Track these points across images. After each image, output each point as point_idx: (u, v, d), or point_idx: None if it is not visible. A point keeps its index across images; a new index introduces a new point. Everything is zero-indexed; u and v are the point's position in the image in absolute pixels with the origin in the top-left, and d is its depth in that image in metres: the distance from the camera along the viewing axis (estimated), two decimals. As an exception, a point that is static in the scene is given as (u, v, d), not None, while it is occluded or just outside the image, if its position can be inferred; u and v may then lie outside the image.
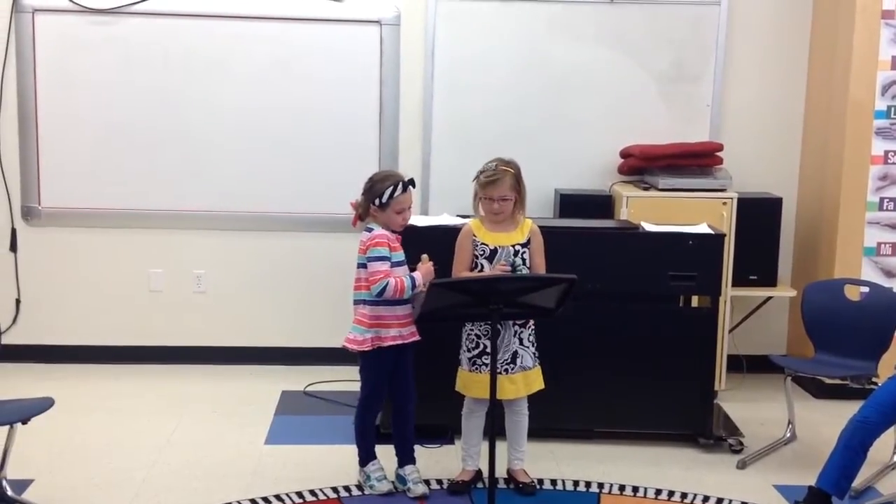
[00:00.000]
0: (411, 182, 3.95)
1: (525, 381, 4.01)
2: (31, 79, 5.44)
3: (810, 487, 3.83)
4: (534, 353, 4.04)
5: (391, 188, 3.88)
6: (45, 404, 3.76)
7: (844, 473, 3.79)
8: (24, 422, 3.69)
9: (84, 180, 5.54)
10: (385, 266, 3.87)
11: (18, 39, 5.41)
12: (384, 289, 3.83)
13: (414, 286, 3.88)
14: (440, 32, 5.51)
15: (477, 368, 3.99)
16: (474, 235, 4.00)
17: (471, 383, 4.01)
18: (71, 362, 5.56)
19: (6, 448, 3.79)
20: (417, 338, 3.98)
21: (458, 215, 4.57)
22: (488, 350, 3.88)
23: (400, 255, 3.96)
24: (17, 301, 5.62)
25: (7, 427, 3.72)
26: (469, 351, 4.01)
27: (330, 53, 5.52)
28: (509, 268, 3.93)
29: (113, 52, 5.45)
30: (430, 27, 5.50)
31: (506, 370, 3.94)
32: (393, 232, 3.97)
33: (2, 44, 5.42)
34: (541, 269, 4.02)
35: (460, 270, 4.02)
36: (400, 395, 4.06)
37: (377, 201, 3.89)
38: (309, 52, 5.51)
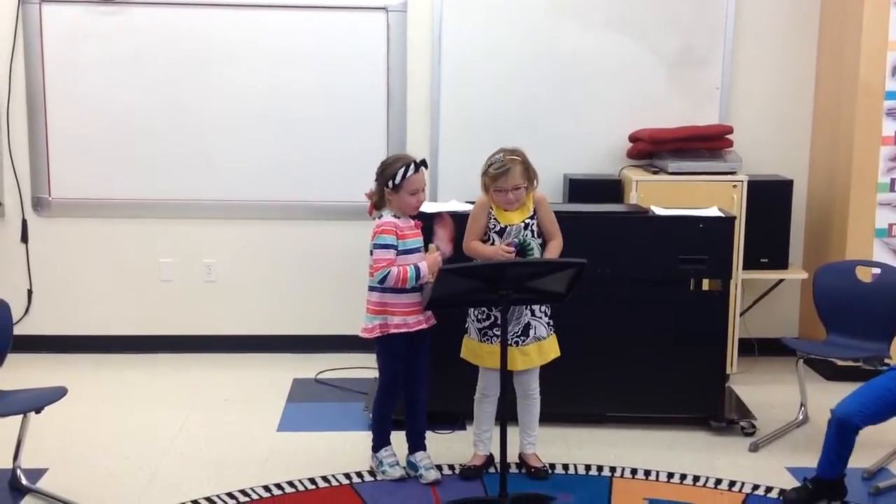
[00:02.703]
0: (423, 163, 3.95)
1: (539, 351, 4.02)
2: (39, 70, 5.44)
3: (815, 479, 3.82)
4: (548, 323, 4.04)
5: (403, 169, 3.87)
6: (58, 393, 3.79)
7: (840, 455, 3.78)
8: (38, 411, 3.72)
9: (93, 171, 5.55)
10: (389, 254, 3.87)
11: (26, 31, 5.41)
12: (385, 277, 3.84)
13: (419, 276, 3.87)
14: (447, 18, 5.49)
15: (488, 339, 4.00)
16: (490, 209, 4.01)
17: (483, 354, 4.02)
18: (82, 352, 5.59)
19: (20, 437, 3.83)
20: (424, 326, 3.97)
21: (466, 201, 4.57)
22: (499, 322, 3.91)
23: (413, 241, 3.95)
24: (29, 292, 5.64)
25: (21, 416, 3.75)
26: (479, 322, 4.02)
27: (337, 41, 5.50)
28: (513, 249, 3.93)
29: (120, 43, 5.45)
30: (436, 13, 5.48)
31: (516, 342, 3.95)
32: (412, 218, 3.98)
33: (9, 35, 5.42)
34: (555, 232, 4.03)
35: (471, 240, 4.03)
36: (413, 381, 4.06)
37: (390, 183, 3.89)
38: (316, 39, 5.50)
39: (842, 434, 3.75)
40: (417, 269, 3.87)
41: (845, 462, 3.79)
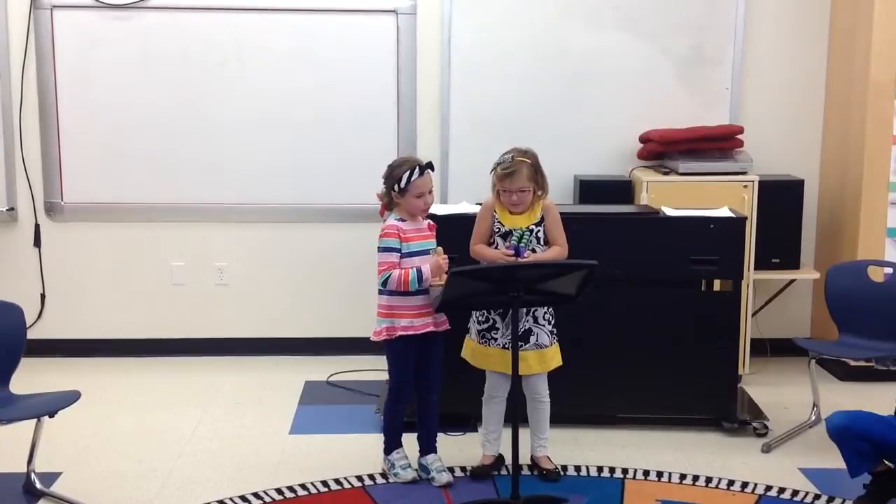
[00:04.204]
0: (429, 165, 3.94)
1: (540, 358, 4.01)
2: (51, 75, 5.47)
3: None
4: (551, 331, 4.03)
5: (408, 172, 3.87)
6: (71, 397, 3.79)
7: (859, 456, 3.73)
8: (51, 415, 3.72)
9: (106, 175, 5.57)
10: (391, 257, 3.88)
11: (38, 36, 5.44)
12: (387, 280, 3.85)
13: (421, 279, 3.87)
14: (456, 20, 5.49)
15: (486, 342, 4.01)
16: (494, 212, 4.01)
17: (480, 355, 4.04)
18: (95, 356, 5.61)
19: (34, 441, 3.84)
20: (432, 329, 3.96)
21: (476, 203, 4.56)
22: (497, 325, 3.95)
23: (420, 244, 3.94)
24: (42, 296, 5.67)
25: (34, 420, 3.76)
26: (479, 324, 4.03)
27: (347, 44, 5.52)
28: (512, 252, 3.92)
29: (131, 47, 5.47)
30: (446, 15, 5.49)
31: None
32: (425, 218, 3.99)
33: (21, 41, 5.44)
34: (560, 239, 4.00)
35: (477, 242, 4.04)
36: (424, 384, 4.06)
37: (396, 187, 3.90)
38: (326, 42, 5.51)
39: (846, 440, 3.69)
40: (419, 271, 3.87)
41: (871, 456, 3.68)
